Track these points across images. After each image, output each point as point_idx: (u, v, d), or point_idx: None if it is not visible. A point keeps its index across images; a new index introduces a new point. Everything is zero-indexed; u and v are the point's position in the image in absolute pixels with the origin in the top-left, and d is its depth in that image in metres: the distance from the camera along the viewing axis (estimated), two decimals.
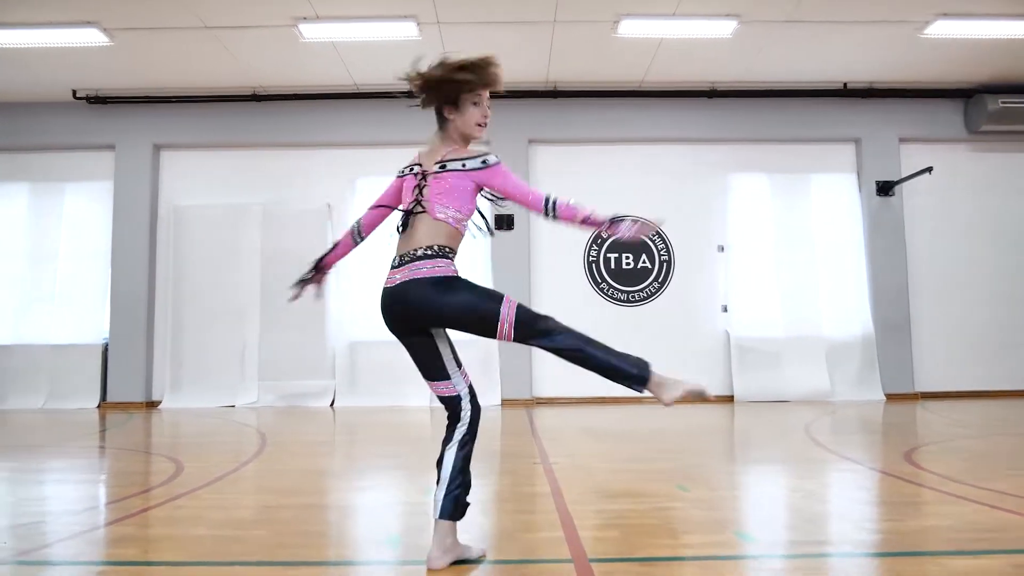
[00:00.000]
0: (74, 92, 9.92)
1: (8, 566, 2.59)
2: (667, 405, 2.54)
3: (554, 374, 9.93)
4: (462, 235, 2.70)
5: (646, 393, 2.55)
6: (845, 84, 9.93)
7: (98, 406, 9.83)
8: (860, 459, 5.10)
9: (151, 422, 8.11)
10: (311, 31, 8.13)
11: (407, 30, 8.15)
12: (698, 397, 2.53)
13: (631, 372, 2.56)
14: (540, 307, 9.69)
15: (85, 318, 10.11)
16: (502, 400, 9.68)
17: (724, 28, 8.16)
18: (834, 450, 5.54)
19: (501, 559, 2.71)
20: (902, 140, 10.18)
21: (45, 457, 5.59)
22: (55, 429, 7.40)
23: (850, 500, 3.87)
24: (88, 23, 7.99)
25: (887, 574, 2.49)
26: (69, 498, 4.00)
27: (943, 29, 8.18)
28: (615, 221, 2.57)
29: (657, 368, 2.57)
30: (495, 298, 2.57)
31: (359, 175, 10.03)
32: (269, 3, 7.63)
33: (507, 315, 2.55)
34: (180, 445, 5.88)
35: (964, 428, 6.77)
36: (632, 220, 2.60)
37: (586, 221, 2.60)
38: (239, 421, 8.01)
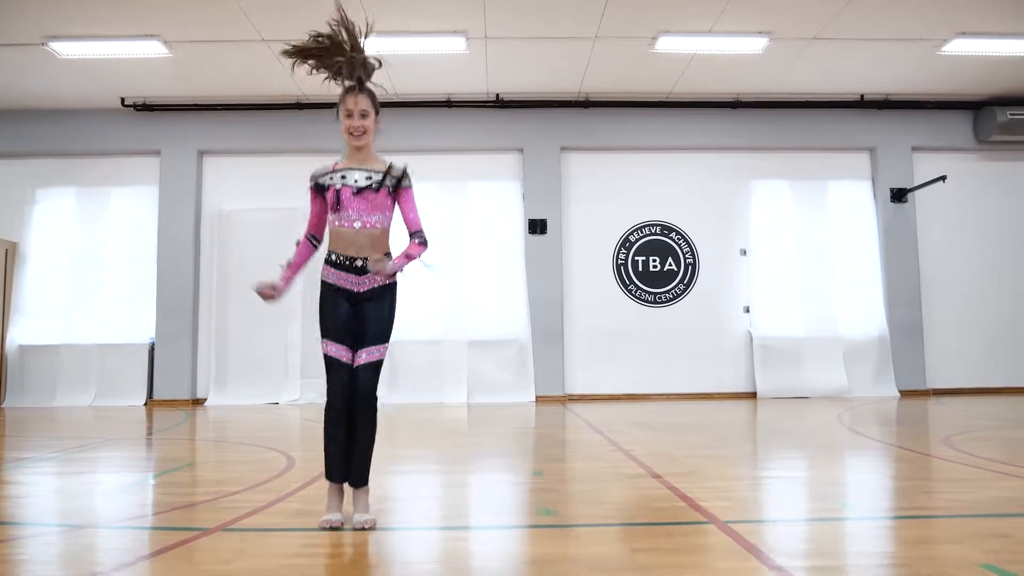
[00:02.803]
0: (122, 100, 10.28)
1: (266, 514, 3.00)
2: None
3: (585, 373, 10.39)
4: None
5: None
6: (862, 96, 10.46)
7: (145, 403, 10.17)
8: (905, 445, 5.57)
9: (222, 418, 8.46)
10: (365, 45, 8.51)
11: (456, 44, 8.58)
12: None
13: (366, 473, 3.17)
14: (571, 307, 10.27)
15: (132, 318, 10.44)
16: (536, 396, 10.10)
17: (756, 45, 8.64)
18: (877, 438, 6.02)
19: (646, 521, 3.15)
20: (915, 149, 10.73)
21: (160, 448, 5.98)
22: (131, 425, 7.75)
23: (918, 478, 4.28)
24: (150, 36, 8.36)
25: (980, 531, 2.93)
26: (248, 476, 4.40)
27: (960, 47, 8.71)
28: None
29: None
30: None
31: None
32: (325, 16, 8.00)
33: None
34: (271, 439, 6.29)
35: (988, 420, 7.26)
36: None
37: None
38: (299, 417, 8.39)
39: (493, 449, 5.72)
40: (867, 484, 4.12)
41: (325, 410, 3.13)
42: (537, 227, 10.36)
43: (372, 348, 3.12)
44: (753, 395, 10.34)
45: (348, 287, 3.14)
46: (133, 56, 8.79)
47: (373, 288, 3.14)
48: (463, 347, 10.15)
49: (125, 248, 10.59)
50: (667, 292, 10.63)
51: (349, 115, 3.17)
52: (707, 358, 10.50)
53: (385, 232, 3.21)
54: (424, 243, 3.26)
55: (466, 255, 10.35)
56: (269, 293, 3.20)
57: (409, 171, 3.27)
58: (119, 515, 3.42)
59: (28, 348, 10.33)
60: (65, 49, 8.54)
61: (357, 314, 3.15)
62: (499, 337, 10.26)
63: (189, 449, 5.95)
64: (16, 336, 10.36)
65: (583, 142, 10.61)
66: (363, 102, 3.17)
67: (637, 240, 10.68)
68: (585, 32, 8.41)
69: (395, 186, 3.22)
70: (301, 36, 3.22)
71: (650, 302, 10.61)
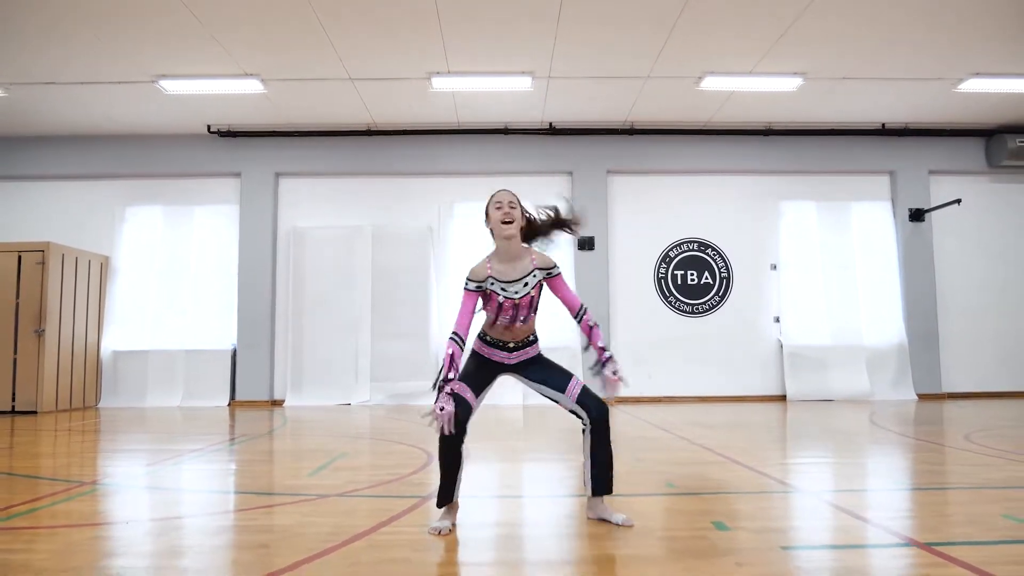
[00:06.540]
0: (208, 127, 11.27)
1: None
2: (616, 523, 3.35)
3: (628, 377, 11.33)
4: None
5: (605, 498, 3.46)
6: (883, 124, 11.44)
7: (228, 404, 11.15)
8: (937, 440, 6.49)
9: (313, 418, 9.42)
10: (440, 83, 9.51)
11: (522, 83, 9.56)
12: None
13: (609, 477, 3.43)
14: (616, 317, 11.25)
15: (215, 326, 11.43)
16: None
17: (791, 84, 9.62)
18: (921, 437, 6.92)
19: (754, 491, 4.11)
20: (931, 172, 11.71)
21: (296, 441, 6.94)
22: (248, 424, 8.72)
23: (959, 463, 5.21)
24: (250, 75, 9.35)
25: (997, 498, 3.88)
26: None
27: (974, 86, 9.68)
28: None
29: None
30: None
31: (457, 200, 11.43)
32: (410, 59, 8.97)
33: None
34: (388, 433, 7.24)
35: (1002, 420, 8.21)
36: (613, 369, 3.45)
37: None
38: (384, 416, 9.36)
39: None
40: (922, 470, 5.08)
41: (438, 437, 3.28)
42: (586, 244, 11.34)
43: (572, 385, 3.45)
44: (782, 398, 11.31)
45: (499, 360, 3.51)
46: (232, 93, 9.78)
47: (523, 360, 3.53)
48: None
49: (208, 262, 11.59)
50: (704, 303, 11.60)
51: (499, 207, 3.40)
52: (740, 364, 11.47)
53: (534, 319, 3.56)
54: (592, 319, 3.57)
55: None
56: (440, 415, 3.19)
57: (555, 262, 3.57)
58: (339, 489, 4.31)
59: (120, 353, 11.33)
60: (172, 86, 9.54)
61: (519, 378, 3.57)
62: (553, 345, 11.15)
63: (327, 443, 6.77)
64: (109, 342, 11.35)
65: (628, 166, 11.59)
66: (510, 195, 3.45)
67: (676, 256, 11.65)
68: (639, 73, 9.39)
69: (547, 276, 3.53)
70: (382, 74, 3.31)
71: (688, 312, 11.58)
